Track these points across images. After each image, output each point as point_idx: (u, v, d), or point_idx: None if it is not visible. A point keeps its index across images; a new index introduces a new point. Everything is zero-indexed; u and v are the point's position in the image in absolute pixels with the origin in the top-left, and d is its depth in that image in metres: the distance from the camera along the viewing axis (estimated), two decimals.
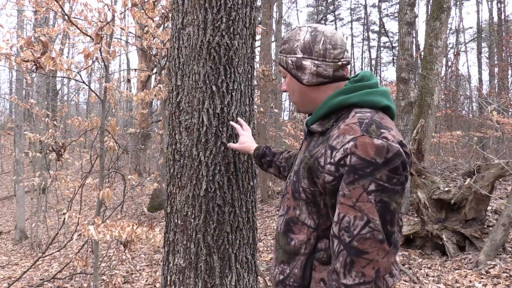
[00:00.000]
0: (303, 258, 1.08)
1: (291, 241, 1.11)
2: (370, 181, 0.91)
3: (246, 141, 1.61)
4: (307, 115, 1.25)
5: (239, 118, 1.69)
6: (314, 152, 1.06)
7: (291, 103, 20.25)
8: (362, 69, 25.33)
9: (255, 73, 1.89)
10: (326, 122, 1.09)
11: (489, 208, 4.74)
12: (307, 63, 1.09)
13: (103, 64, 4.03)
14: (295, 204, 1.12)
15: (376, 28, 22.76)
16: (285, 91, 1.21)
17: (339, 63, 1.09)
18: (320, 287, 1.04)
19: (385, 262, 0.91)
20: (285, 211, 1.16)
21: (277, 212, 7.55)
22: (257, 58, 8.77)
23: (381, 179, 0.91)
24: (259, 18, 9.66)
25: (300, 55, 1.10)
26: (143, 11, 3.89)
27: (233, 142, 1.68)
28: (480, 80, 17.42)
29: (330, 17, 25.82)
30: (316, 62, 1.08)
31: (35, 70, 2.98)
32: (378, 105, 1.05)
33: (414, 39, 10.21)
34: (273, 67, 10.19)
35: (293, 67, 1.12)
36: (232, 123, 1.66)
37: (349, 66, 1.17)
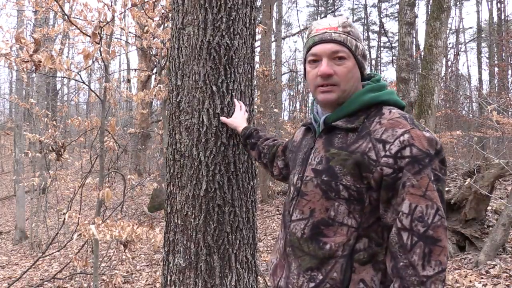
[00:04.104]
0: (342, 261, 1.02)
1: (324, 245, 1.04)
2: (430, 170, 0.94)
3: (237, 117, 1.66)
4: (313, 114, 1.19)
5: (238, 101, 1.71)
6: (353, 148, 1.02)
7: (290, 103, 20.21)
8: None
9: (255, 73, 1.89)
10: (354, 119, 1.06)
11: (489, 208, 4.73)
12: (367, 55, 1.13)
13: (102, 64, 4.03)
14: (328, 205, 1.05)
15: (376, 28, 22.77)
16: (330, 75, 1.06)
17: None
18: None
19: (448, 248, 0.94)
20: (308, 214, 1.08)
21: (277, 212, 7.53)
22: (257, 58, 8.76)
23: (436, 169, 0.94)
24: (259, 18, 9.66)
25: (365, 44, 1.11)
26: (143, 11, 3.89)
27: (233, 142, 1.68)
28: (480, 80, 17.40)
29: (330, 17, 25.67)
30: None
31: (34, 70, 2.98)
32: (401, 104, 1.09)
33: (414, 39, 10.22)
34: (273, 67, 10.19)
35: (361, 54, 1.09)
36: (235, 100, 1.71)
37: None
